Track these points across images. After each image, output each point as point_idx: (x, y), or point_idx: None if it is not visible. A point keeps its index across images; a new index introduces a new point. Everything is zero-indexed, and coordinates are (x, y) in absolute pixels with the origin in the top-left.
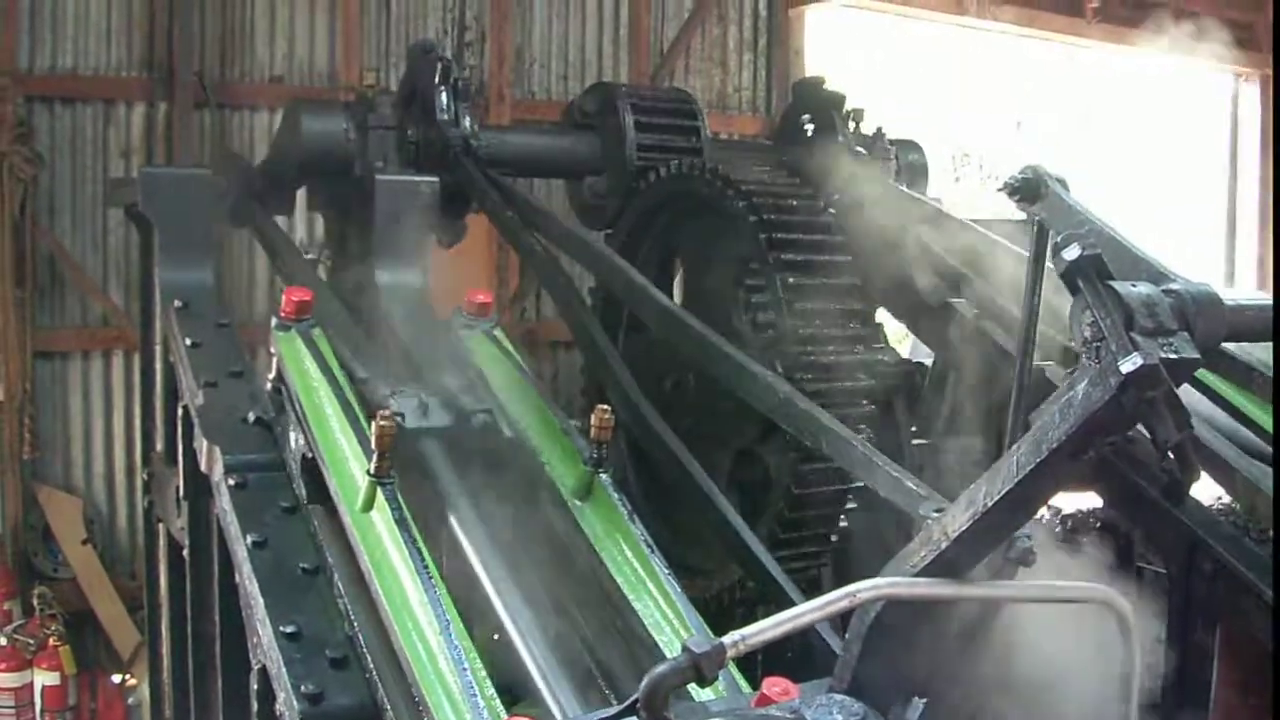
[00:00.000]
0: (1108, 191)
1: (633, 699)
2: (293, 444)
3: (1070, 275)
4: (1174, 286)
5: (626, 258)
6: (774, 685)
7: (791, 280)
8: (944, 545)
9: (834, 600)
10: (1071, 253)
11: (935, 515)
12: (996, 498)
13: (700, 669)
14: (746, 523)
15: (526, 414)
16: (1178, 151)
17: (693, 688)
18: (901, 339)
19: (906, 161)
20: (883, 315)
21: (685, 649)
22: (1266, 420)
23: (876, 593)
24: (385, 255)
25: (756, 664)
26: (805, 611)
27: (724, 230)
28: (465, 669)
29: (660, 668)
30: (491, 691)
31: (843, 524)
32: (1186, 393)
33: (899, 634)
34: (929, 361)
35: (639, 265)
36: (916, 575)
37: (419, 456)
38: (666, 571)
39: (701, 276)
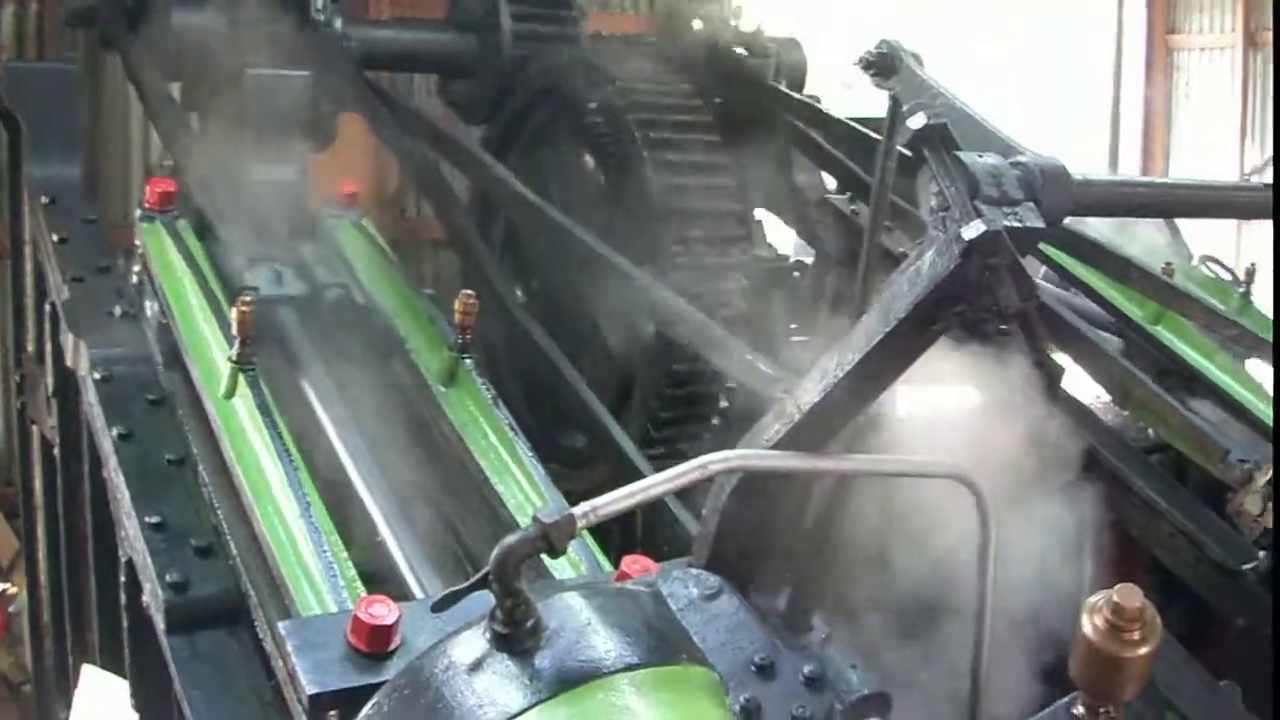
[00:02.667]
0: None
1: (484, 571)
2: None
3: (916, 144)
4: (1022, 159)
5: (500, 158)
6: (633, 563)
7: (667, 179)
8: (797, 418)
9: (686, 471)
10: (917, 121)
11: (786, 395)
12: (847, 369)
13: (550, 539)
14: (622, 421)
15: (392, 300)
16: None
17: (557, 568)
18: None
19: (787, 60)
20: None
21: (535, 519)
22: (1118, 298)
23: (728, 464)
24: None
25: None
26: (657, 483)
27: (598, 128)
28: (325, 550)
29: (510, 538)
30: (353, 573)
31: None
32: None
33: (756, 508)
34: (809, 260)
35: (511, 166)
36: (771, 448)
37: (275, 327)
38: (530, 454)
39: (575, 177)
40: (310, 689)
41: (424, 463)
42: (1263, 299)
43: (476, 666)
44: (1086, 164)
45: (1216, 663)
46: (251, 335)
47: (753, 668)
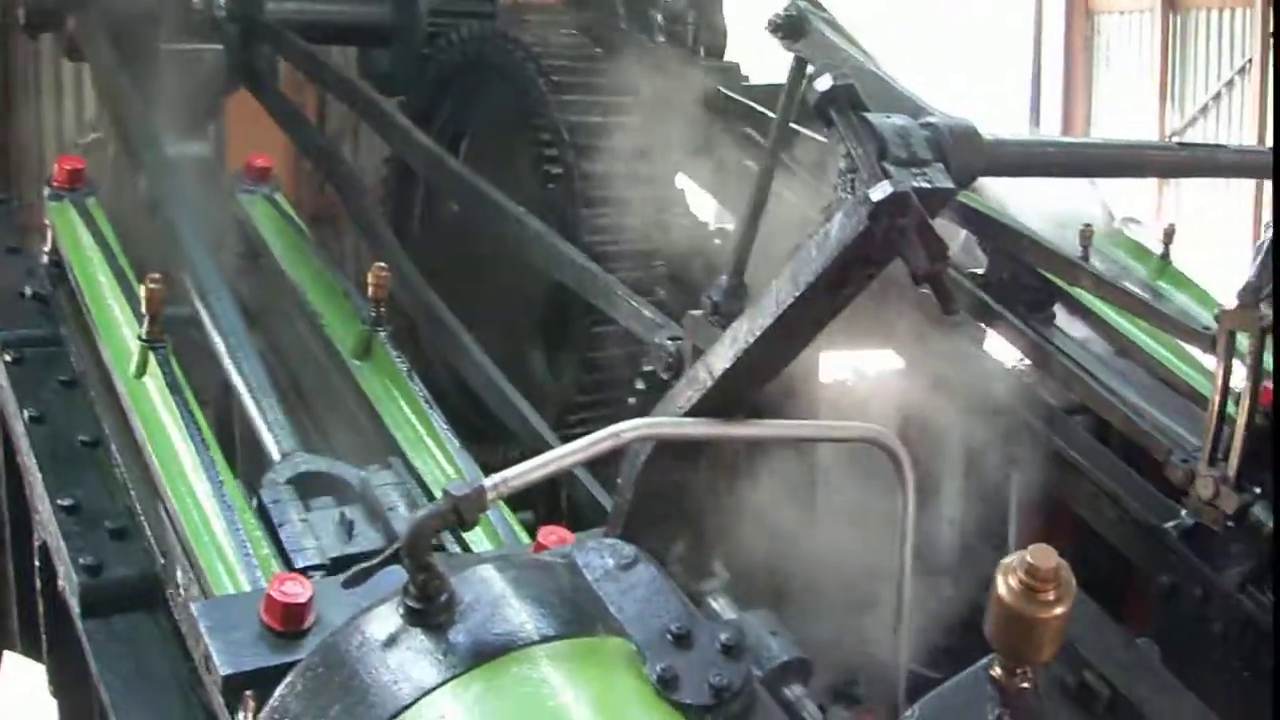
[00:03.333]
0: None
1: (395, 546)
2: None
3: (822, 106)
4: (931, 119)
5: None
6: (550, 534)
7: (582, 143)
8: (709, 384)
9: (598, 440)
10: (824, 83)
11: (669, 341)
12: (758, 334)
13: (460, 512)
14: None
15: (305, 276)
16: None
17: (475, 541)
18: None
19: (707, 24)
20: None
21: (445, 493)
22: None
23: (639, 433)
24: (170, 127)
25: None
26: (569, 453)
27: (516, 97)
28: (238, 529)
29: (420, 513)
30: (267, 550)
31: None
32: None
33: (671, 476)
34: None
35: (433, 137)
36: (684, 415)
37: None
38: (446, 427)
39: (494, 146)
40: (224, 670)
41: (339, 436)
42: (1182, 260)
43: (390, 642)
44: (1009, 129)
45: (1140, 622)
46: (160, 313)
47: (669, 637)
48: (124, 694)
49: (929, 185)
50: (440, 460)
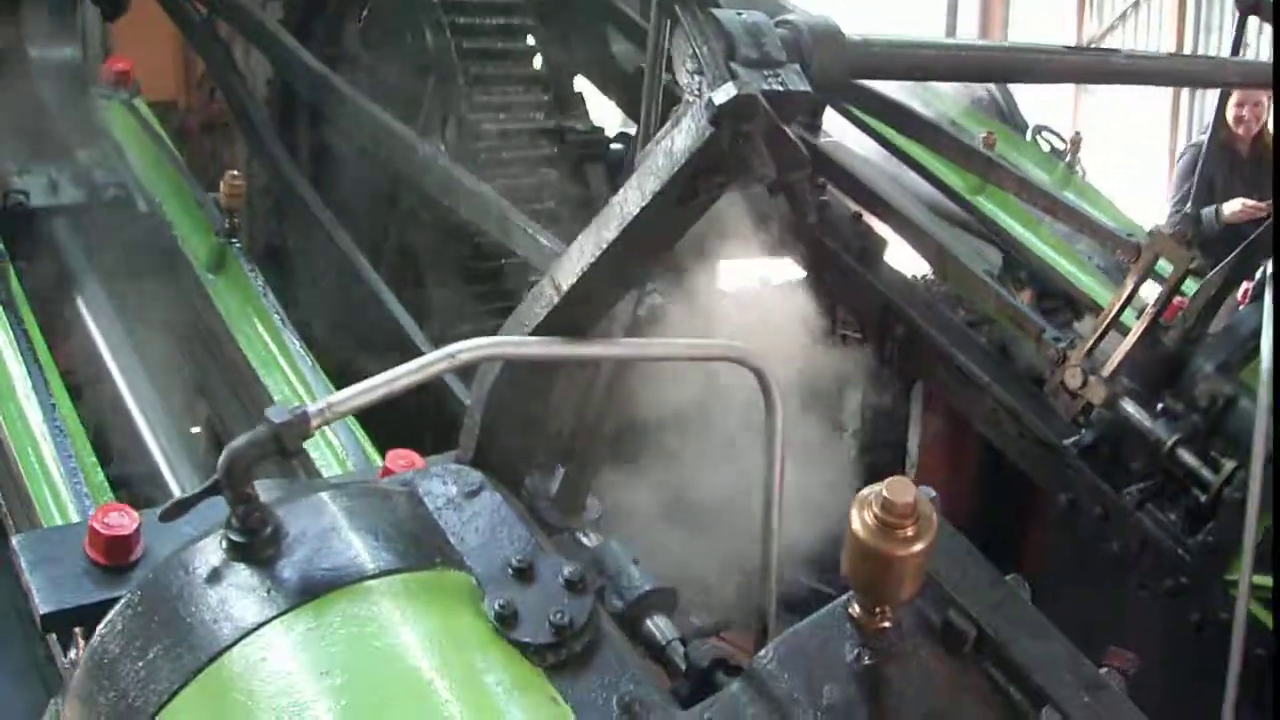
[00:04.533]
0: None
1: (214, 478)
2: None
3: (668, 2)
4: (790, 17)
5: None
6: (398, 458)
7: (467, 45)
8: (555, 301)
9: (432, 361)
10: None
11: None
12: (603, 247)
13: (282, 440)
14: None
15: (161, 186)
16: None
17: (324, 464)
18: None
19: None
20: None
21: (265, 419)
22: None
23: (478, 353)
24: (35, 26)
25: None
26: (402, 374)
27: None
28: (69, 456)
29: (237, 441)
30: (101, 479)
31: None
32: None
33: (521, 397)
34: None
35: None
36: (532, 334)
37: (47, 237)
38: (298, 345)
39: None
40: (43, 607)
41: (192, 358)
42: (1091, 171)
43: (214, 578)
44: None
45: (1043, 544)
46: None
47: (510, 570)
48: None
49: (782, 88)
50: (292, 380)
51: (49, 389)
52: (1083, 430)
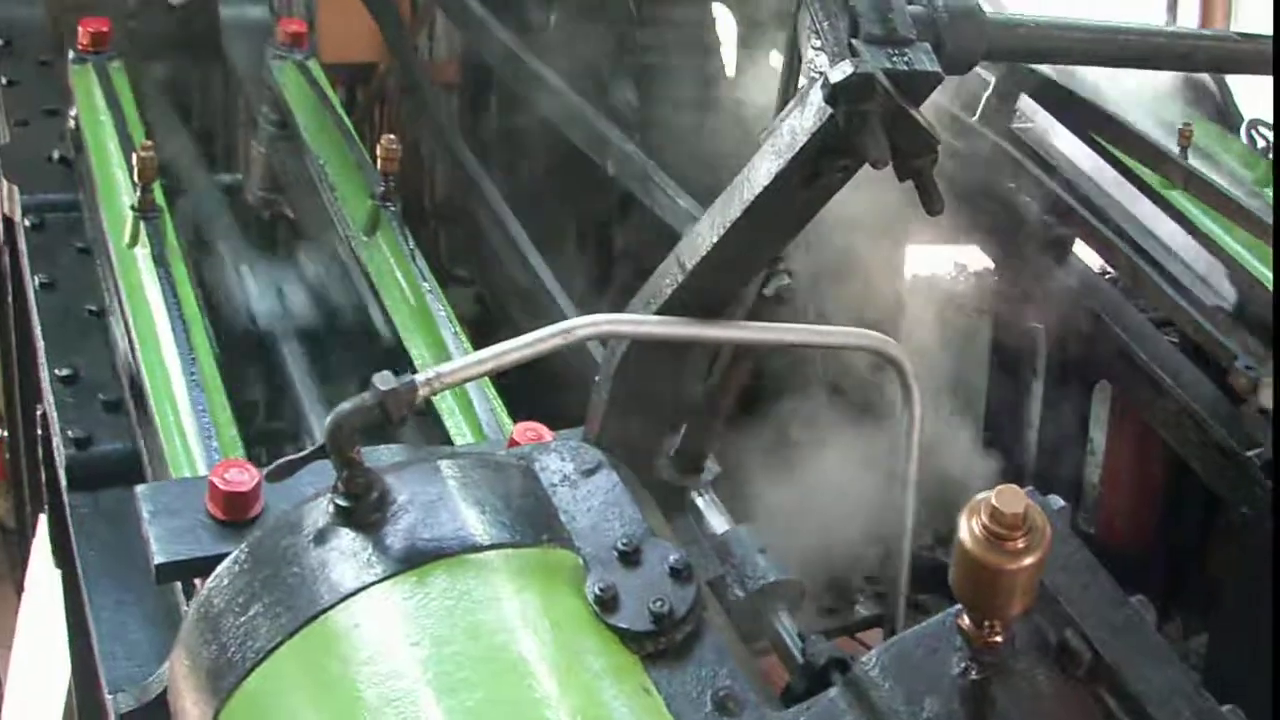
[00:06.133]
0: None
1: (321, 443)
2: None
3: None
4: None
5: None
6: (527, 430)
7: None
8: (680, 279)
9: (546, 337)
10: None
11: None
12: (728, 225)
13: (387, 408)
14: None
15: (325, 147)
16: None
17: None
18: None
19: None
20: None
21: (372, 385)
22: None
23: (596, 329)
24: None
25: None
26: (515, 348)
27: None
28: (203, 410)
29: (344, 405)
30: (234, 434)
31: None
32: None
33: (649, 376)
34: None
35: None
36: (658, 312)
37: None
38: (443, 312)
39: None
40: (158, 558)
41: (334, 317)
42: None
43: (319, 540)
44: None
45: (1226, 557)
46: (153, 182)
47: (615, 553)
48: (98, 567)
49: (907, 68)
50: (432, 346)
51: (190, 342)
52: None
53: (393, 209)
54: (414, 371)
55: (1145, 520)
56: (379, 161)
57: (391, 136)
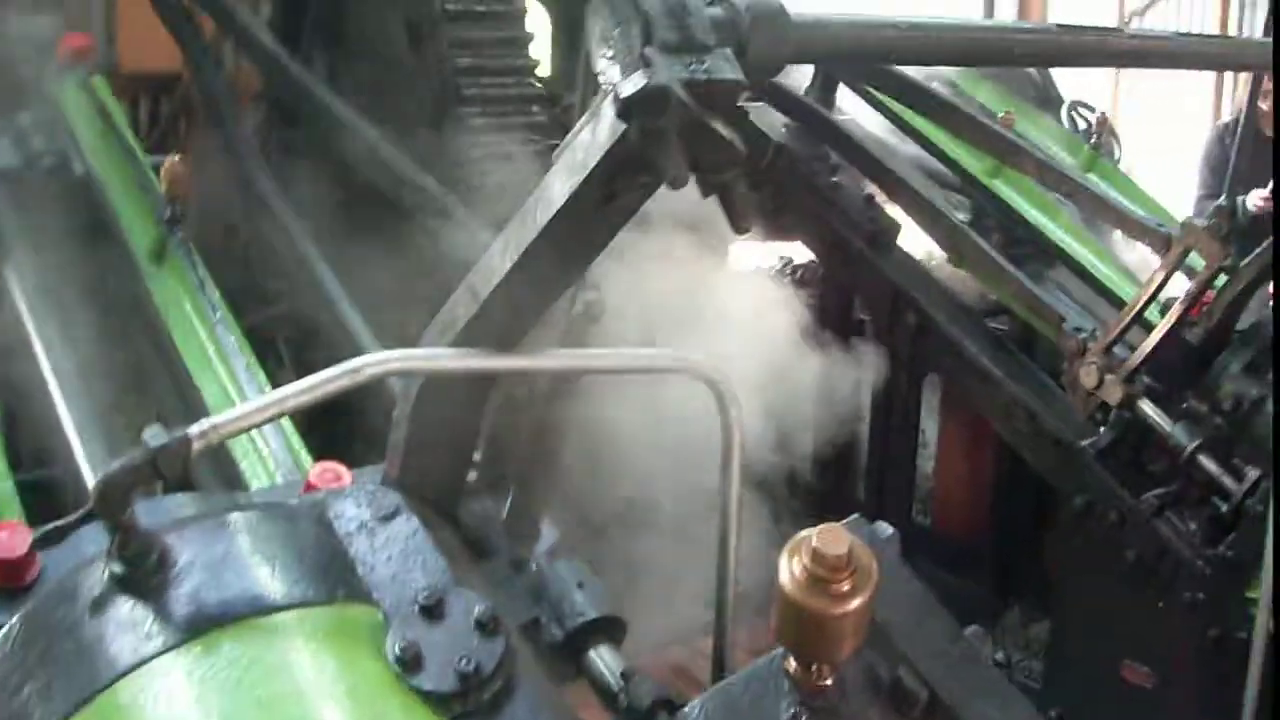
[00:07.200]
0: None
1: (89, 506)
2: None
3: None
4: None
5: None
6: (324, 471)
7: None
8: (475, 309)
9: (332, 378)
10: None
11: None
12: (521, 251)
13: (158, 466)
14: None
15: (110, 169)
16: None
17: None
18: None
19: None
20: None
21: (143, 443)
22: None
23: (384, 368)
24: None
25: None
26: (298, 391)
27: None
28: None
29: (113, 465)
30: (10, 488)
31: None
32: None
33: (448, 412)
34: None
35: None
36: (452, 344)
37: None
38: (234, 343)
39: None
40: None
41: (123, 356)
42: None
43: (96, 609)
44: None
45: (1062, 545)
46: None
47: (416, 606)
48: None
49: (706, 76)
50: (226, 383)
51: None
52: (1101, 430)
53: (179, 235)
54: (206, 413)
55: (980, 510)
56: (164, 185)
57: (176, 158)
